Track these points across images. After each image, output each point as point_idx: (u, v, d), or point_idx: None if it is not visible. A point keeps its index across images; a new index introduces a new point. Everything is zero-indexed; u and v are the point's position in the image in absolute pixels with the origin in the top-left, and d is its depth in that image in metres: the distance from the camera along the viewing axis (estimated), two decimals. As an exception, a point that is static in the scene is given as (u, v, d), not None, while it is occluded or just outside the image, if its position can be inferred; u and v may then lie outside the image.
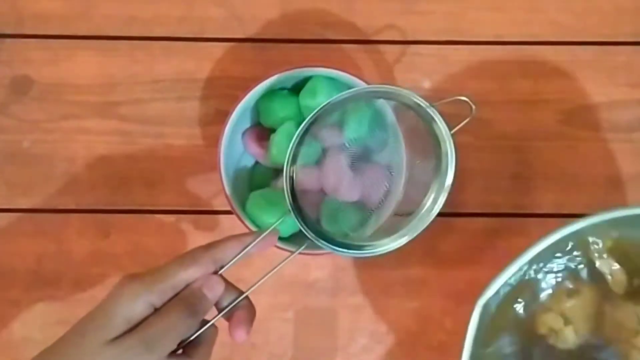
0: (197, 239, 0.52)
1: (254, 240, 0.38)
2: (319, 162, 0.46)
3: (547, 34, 0.53)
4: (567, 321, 0.41)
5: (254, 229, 0.45)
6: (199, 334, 0.36)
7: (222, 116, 0.45)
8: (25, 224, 0.52)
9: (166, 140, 0.52)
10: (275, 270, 0.39)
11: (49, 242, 0.51)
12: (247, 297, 0.38)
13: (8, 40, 0.53)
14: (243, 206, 0.46)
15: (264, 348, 0.51)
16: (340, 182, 0.45)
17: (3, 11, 0.53)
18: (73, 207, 0.52)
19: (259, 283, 0.38)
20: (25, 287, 0.51)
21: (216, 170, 0.45)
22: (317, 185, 0.46)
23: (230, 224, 0.51)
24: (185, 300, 0.35)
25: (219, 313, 0.37)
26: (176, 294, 0.35)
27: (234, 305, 0.37)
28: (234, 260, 0.37)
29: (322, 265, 0.51)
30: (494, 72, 0.53)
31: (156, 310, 0.34)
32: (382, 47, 0.53)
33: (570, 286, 0.41)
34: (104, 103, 0.52)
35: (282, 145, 0.46)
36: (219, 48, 0.53)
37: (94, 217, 0.52)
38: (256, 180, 0.50)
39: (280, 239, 0.46)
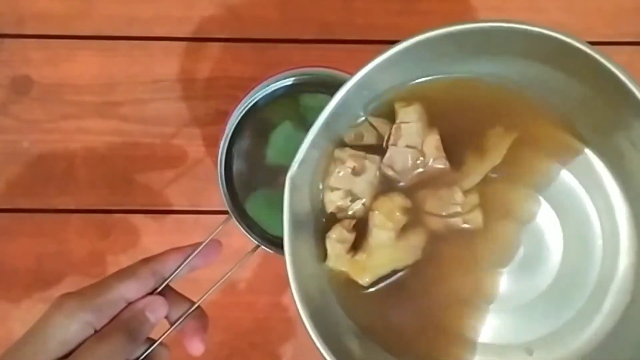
0: (197, 239, 0.51)
1: (195, 251, 0.37)
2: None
3: (548, 34, 0.53)
4: (354, 197, 0.40)
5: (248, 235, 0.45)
6: (148, 354, 0.35)
7: (222, 116, 0.45)
8: (25, 224, 0.52)
9: (166, 140, 0.52)
10: (227, 275, 0.38)
11: (49, 242, 0.51)
12: (198, 306, 0.37)
13: (8, 40, 0.53)
14: (244, 207, 0.46)
15: (264, 348, 0.51)
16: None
17: (3, 11, 0.53)
18: (73, 207, 0.52)
19: (211, 291, 0.37)
20: (25, 287, 0.51)
21: (216, 169, 0.45)
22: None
23: (230, 224, 0.51)
24: (126, 323, 0.33)
25: (170, 327, 0.36)
26: (117, 315, 0.33)
27: (186, 317, 0.36)
28: (175, 273, 0.36)
29: (322, 265, 0.52)
30: (494, 72, 0.53)
31: (96, 332, 0.32)
32: (382, 47, 0.53)
33: (355, 165, 0.39)
34: (104, 103, 0.52)
35: (279, 146, 0.46)
36: (219, 48, 0.53)
37: (94, 217, 0.52)
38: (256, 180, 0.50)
39: (281, 239, 0.46)
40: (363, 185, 0.40)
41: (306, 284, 0.36)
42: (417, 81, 0.40)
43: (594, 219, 0.41)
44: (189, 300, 0.37)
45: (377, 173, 0.40)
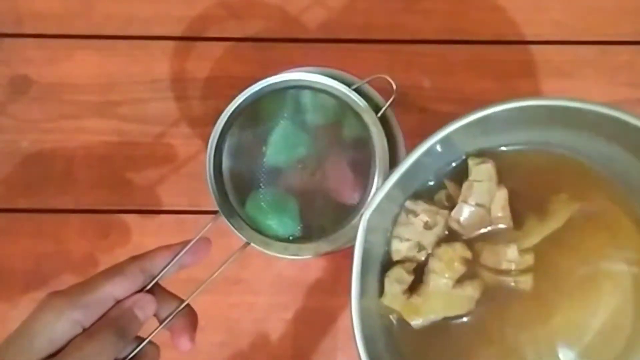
0: (196, 239, 0.51)
1: (184, 249, 0.37)
2: (316, 161, 0.46)
3: (549, 34, 0.53)
4: (421, 248, 0.42)
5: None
6: (137, 353, 0.34)
7: (221, 116, 0.45)
8: (23, 224, 0.51)
9: (166, 140, 0.52)
10: (217, 272, 0.38)
11: (48, 243, 0.51)
12: (187, 304, 0.37)
13: (7, 39, 0.52)
14: (243, 207, 0.46)
15: (264, 348, 0.51)
16: (343, 185, 0.45)
17: (2, 10, 0.53)
18: (72, 207, 0.52)
19: (200, 290, 0.37)
20: (24, 287, 0.51)
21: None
22: (313, 185, 0.46)
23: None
24: (115, 321, 0.33)
25: (160, 325, 0.36)
26: (105, 313, 0.33)
27: (174, 315, 0.36)
28: (164, 271, 0.36)
29: (322, 265, 0.51)
30: (495, 71, 0.52)
31: (85, 330, 0.32)
32: (382, 46, 0.53)
33: (428, 219, 0.41)
34: (103, 103, 0.52)
35: (277, 145, 0.46)
36: (218, 48, 0.53)
37: (93, 217, 0.52)
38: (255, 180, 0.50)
39: (279, 239, 0.46)
40: (431, 238, 0.41)
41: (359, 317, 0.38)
42: (492, 146, 0.42)
43: (628, 280, 0.41)
44: (178, 298, 0.37)
45: (445, 226, 0.42)
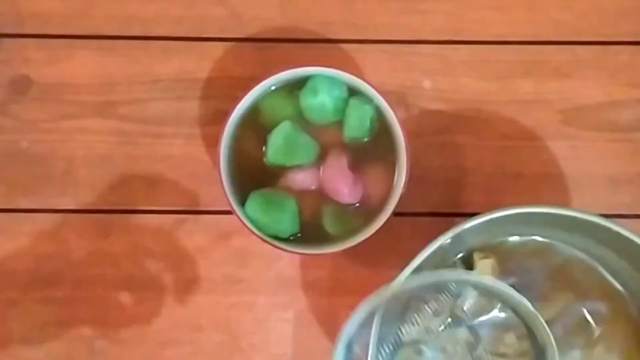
0: (197, 239, 0.51)
1: None
2: (316, 161, 0.47)
3: (548, 34, 0.53)
4: (429, 331, 0.46)
5: (253, 229, 0.45)
6: None
7: (222, 116, 0.45)
8: (24, 224, 0.51)
9: (166, 140, 0.52)
10: None
11: (48, 243, 0.51)
12: None
13: (7, 39, 0.52)
14: (243, 206, 0.46)
15: (264, 348, 0.51)
16: (343, 185, 0.46)
17: (2, 11, 0.53)
18: (72, 207, 0.52)
19: None
20: (24, 287, 0.51)
21: (216, 170, 0.45)
22: (313, 185, 0.47)
23: (230, 224, 0.51)
24: None
25: None
26: None
27: None
28: None
29: (321, 265, 0.51)
30: (495, 71, 0.53)
31: None
32: (382, 46, 0.53)
33: (437, 307, 0.46)
34: (104, 103, 0.52)
35: (278, 145, 0.46)
36: (219, 48, 0.53)
37: (93, 217, 0.52)
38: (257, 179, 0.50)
39: (280, 239, 0.46)
40: (438, 323, 0.45)
41: None
42: (495, 240, 0.48)
43: None
44: None
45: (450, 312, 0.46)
